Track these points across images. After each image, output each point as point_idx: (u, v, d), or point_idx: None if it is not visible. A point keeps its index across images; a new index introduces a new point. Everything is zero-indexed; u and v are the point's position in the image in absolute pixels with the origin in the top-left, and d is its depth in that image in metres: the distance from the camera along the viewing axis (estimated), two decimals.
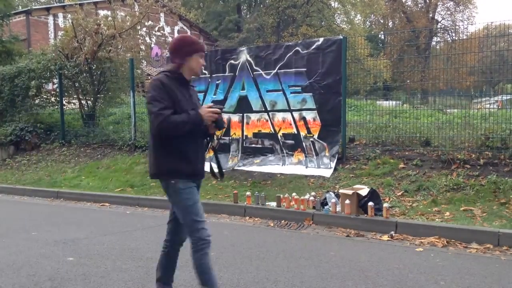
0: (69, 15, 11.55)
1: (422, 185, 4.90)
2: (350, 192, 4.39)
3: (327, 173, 5.65)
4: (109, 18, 8.92)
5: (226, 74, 6.93)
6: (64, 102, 9.13)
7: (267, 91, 6.50)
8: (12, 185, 7.28)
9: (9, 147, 9.11)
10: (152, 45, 19.00)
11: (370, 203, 4.20)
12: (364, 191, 4.37)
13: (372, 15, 30.74)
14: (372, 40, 28.39)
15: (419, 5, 30.81)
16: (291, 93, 6.30)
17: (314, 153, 6.00)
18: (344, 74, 5.83)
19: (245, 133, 6.69)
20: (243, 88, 6.74)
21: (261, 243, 3.78)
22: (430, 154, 5.51)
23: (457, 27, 24.86)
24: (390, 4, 29.03)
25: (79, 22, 8.53)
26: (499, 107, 5.94)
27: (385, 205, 4.25)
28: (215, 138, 2.42)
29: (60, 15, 16.60)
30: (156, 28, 20.04)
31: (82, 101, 9.07)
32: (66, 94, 9.26)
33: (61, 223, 4.68)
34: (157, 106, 2.05)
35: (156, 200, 5.65)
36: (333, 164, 5.73)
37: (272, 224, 4.54)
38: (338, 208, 4.45)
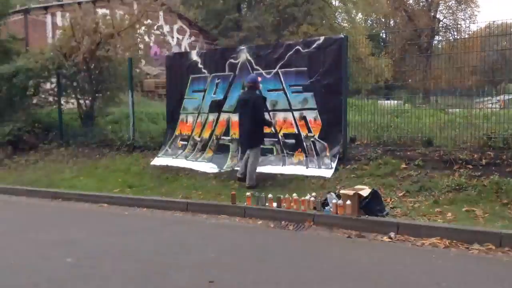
0: (68, 14, 11.51)
1: (424, 186, 4.87)
2: (351, 192, 4.35)
3: (328, 173, 5.61)
4: (108, 17, 8.87)
5: (226, 73, 6.89)
6: (62, 102, 9.08)
7: (268, 90, 6.45)
8: (10, 185, 7.23)
9: (6, 147, 9.04)
10: (151, 44, 18.95)
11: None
12: (365, 191, 4.34)
13: (374, 13, 30.68)
14: (374, 39, 28.28)
15: (421, 3, 30.76)
16: (292, 92, 6.25)
17: (314, 153, 5.96)
18: (345, 73, 5.79)
19: None
20: (243, 88, 6.69)
21: (262, 244, 3.75)
22: (432, 154, 5.47)
23: (459, 26, 24.80)
24: (392, 2, 28.99)
25: (77, 21, 8.48)
26: (502, 107, 5.91)
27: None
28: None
29: (59, 14, 16.52)
30: (155, 27, 19.96)
31: (80, 101, 9.02)
32: (64, 93, 9.20)
33: (59, 224, 4.65)
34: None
35: (155, 200, 5.61)
36: (334, 164, 5.69)
37: (272, 225, 4.50)
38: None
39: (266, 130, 6.03)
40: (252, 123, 5.59)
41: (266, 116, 6.04)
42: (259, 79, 6.06)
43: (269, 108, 6.45)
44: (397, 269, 3.06)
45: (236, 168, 6.34)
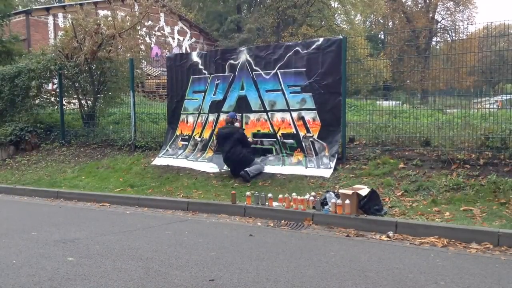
0: (69, 15, 11.55)
1: (422, 185, 4.90)
2: (350, 192, 4.39)
3: (326, 173, 5.65)
4: (109, 18, 8.92)
5: (226, 74, 6.93)
6: (64, 102, 9.14)
7: (266, 91, 6.50)
8: (12, 185, 7.28)
9: (9, 147, 9.11)
10: (152, 45, 19.02)
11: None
12: (364, 191, 4.37)
13: (372, 15, 30.77)
14: (372, 40, 28.41)
15: (419, 5, 30.84)
16: (290, 93, 6.30)
17: (313, 153, 6.00)
18: (344, 74, 5.83)
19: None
20: (242, 88, 6.74)
21: (261, 243, 3.78)
22: (430, 154, 5.51)
23: (457, 27, 24.90)
24: (390, 4, 29.05)
25: (79, 22, 8.53)
26: (499, 107, 5.93)
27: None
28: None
29: (60, 15, 16.60)
30: (156, 28, 20.06)
31: (82, 101, 9.07)
32: (66, 94, 9.26)
33: (61, 223, 4.68)
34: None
35: (156, 200, 5.65)
36: (332, 164, 5.73)
37: (272, 224, 4.54)
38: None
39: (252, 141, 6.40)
40: (240, 151, 5.96)
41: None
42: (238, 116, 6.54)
43: (268, 109, 6.50)
44: (395, 268, 3.09)
45: None
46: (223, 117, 6.95)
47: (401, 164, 5.44)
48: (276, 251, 3.51)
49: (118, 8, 10.27)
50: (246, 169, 5.89)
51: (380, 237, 3.93)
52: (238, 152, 5.94)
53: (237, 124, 6.39)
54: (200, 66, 7.26)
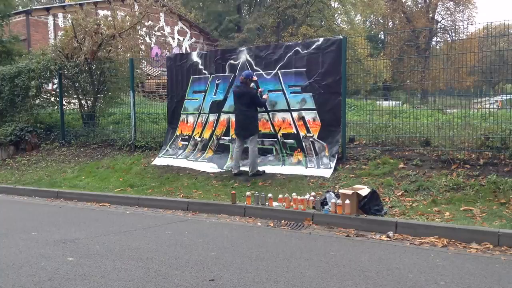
0: (69, 15, 11.56)
1: (422, 185, 4.90)
2: (350, 192, 4.39)
3: (327, 173, 5.65)
4: (109, 18, 8.93)
5: (226, 74, 6.94)
6: (64, 102, 9.14)
7: (268, 91, 6.50)
8: (12, 185, 7.28)
9: (9, 147, 9.11)
10: (152, 45, 19.03)
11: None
12: (364, 191, 4.37)
13: (372, 15, 30.77)
14: (372, 40, 28.43)
15: (419, 5, 30.85)
16: (291, 93, 6.30)
17: (313, 153, 6.00)
18: (344, 74, 5.84)
19: None
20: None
21: (261, 243, 3.78)
22: (430, 154, 5.51)
23: (457, 27, 24.93)
24: (390, 4, 29.06)
25: (79, 22, 8.54)
26: (499, 107, 5.94)
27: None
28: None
29: (60, 15, 16.60)
30: (156, 28, 20.06)
31: (82, 101, 9.07)
32: (66, 94, 9.27)
33: (61, 223, 4.68)
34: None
35: (156, 200, 5.65)
36: (333, 164, 5.74)
37: (272, 224, 4.54)
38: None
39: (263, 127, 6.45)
40: (251, 116, 6.00)
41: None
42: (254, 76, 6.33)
43: (269, 109, 6.50)
44: (396, 268, 3.09)
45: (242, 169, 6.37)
46: (223, 117, 6.96)
47: (401, 164, 5.44)
48: (276, 251, 3.51)
49: (118, 8, 10.28)
50: (245, 169, 5.92)
51: (380, 237, 3.93)
52: (249, 116, 5.97)
53: (252, 85, 6.27)
54: (200, 66, 7.26)
